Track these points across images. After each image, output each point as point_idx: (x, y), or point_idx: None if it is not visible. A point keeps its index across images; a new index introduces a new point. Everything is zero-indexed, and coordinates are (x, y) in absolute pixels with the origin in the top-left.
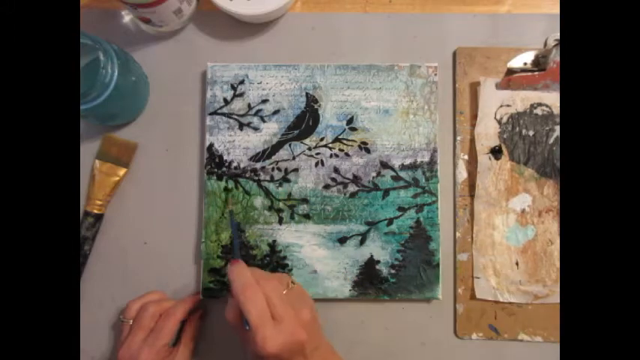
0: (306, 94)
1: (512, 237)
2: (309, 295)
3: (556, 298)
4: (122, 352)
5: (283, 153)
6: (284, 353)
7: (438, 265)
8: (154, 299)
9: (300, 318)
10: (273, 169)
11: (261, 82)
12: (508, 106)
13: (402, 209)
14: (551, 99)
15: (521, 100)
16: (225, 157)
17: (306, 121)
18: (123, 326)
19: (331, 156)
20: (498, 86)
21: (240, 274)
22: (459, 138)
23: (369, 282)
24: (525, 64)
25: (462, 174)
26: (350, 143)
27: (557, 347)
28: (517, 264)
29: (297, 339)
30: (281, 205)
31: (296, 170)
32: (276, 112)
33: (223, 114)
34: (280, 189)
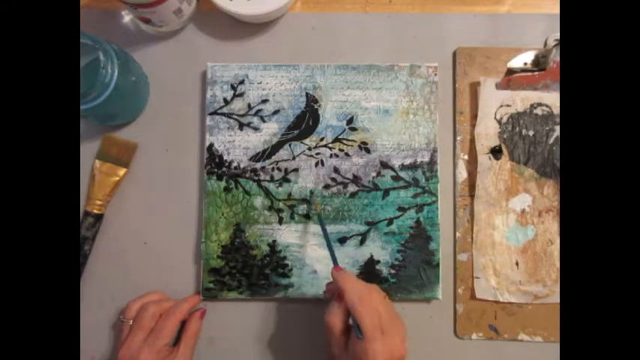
0: (306, 94)
1: (512, 237)
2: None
3: (556, 298)
4: (122, 352)
5: (283, 153)
6: None
7: (438, 265)
8: (154, 299)
9: (400, 333)
10: (273, 169)
11: (261, 82)
12: (508, 106)
13: (402, 209)
14: (551, 99)
15: (521, 100)
16: (225, 157)
17: (306, 121)
18: (123, 326)
19: (331, 156)
20: (498, 86)
21: (354, 283)
22: (459, 138)
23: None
24: (525, 64)
25: (462, 174)
26: (350, 143)
27: (557, 347)
28: (517, 264)
29: (400, 355)
30: (281, 205)
31: (296, 170)
32: (276, 112)
33: (223, 114)
34: (280, 189)
